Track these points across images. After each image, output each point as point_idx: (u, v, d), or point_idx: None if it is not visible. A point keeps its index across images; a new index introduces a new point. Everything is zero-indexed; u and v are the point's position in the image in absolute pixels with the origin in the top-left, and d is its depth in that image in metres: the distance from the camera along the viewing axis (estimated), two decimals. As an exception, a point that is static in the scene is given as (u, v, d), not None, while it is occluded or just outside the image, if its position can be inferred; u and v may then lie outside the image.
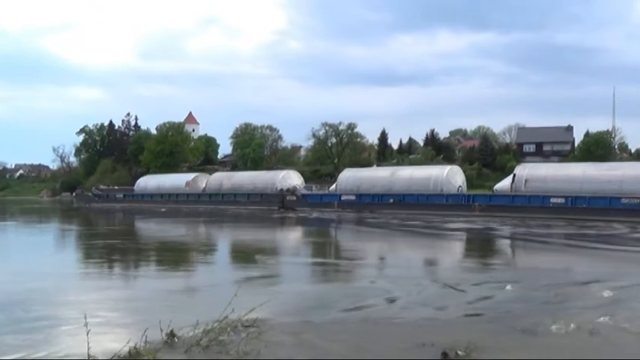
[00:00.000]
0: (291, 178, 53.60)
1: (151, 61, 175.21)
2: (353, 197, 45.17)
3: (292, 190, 50.05)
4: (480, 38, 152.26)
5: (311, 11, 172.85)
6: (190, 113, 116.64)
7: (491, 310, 9.11)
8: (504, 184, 41.33)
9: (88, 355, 5.51)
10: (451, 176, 43.64)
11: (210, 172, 71.09)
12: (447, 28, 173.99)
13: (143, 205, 58.13)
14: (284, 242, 24.67)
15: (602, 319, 8.18)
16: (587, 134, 78.38)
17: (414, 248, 21.32)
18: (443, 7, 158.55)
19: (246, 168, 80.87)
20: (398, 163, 74.88)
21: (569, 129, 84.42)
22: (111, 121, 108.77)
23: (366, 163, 69.63)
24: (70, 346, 6.55)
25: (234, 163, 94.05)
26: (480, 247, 22.73)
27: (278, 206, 47.40)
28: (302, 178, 55.51)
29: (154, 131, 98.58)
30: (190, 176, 61.88)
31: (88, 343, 5.52)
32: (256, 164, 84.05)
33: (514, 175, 40.09)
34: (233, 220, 37.47)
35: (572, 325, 7.71)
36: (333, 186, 50.11)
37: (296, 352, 6.46)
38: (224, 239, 26.29)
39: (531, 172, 39.64)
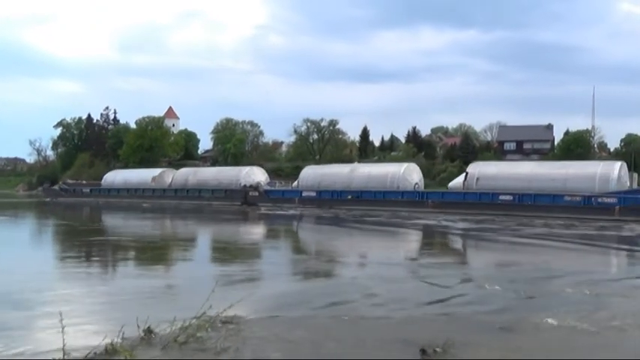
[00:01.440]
0: (255, 175, 54.35)
1: (131, 55, 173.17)
2: (313, 194, 46.35)
3: (255, 186, 50.91)
4: (463, 36, 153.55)
5: (293, 6, 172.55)
6: (170, 108, 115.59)
7: (459, 306, 9.22)
8: (458, 182, 42.78)
9: (64, 352, 5.42)
10: (408, 174, 45.05)
11: (191, 167, 70.84)
12: (430, 25, 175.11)
13: (110, 199, 59.02)
14: (238, 238, 24.64)
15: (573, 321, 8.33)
16: (567, 133, 79.44)
17: (371, 243, 22.30)
18: (426, 4, 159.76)
19: (226, 163, 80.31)
20: (379, 160, 75.26)
21: (550, 127, 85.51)
22: (89, 115, 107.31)
23: (347, 160, 69.78)
24: (45, 343, 6.44)
25: (214, 159, 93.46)
26: (434, 242, 23.87)
27: (240, 202, 48.25)
28: (266, 175, 56.35)
29: (133, 125, 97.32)
30: (157, 171, 62.43)
31: (64, 340, 5.44)
32: (237, 160, 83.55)
33: (466, 173, 41.61)
34: (193, 216, 38.21)
35: (549, 321, 7.84)
36: (296, 182, 51.06)
37: (275, 349, 6.41)
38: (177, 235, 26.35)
39: (483, 171, 41.27)
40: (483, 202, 37.92)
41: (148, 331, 6.34)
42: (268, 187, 52.33)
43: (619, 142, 79.76)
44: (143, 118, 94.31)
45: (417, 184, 44.94)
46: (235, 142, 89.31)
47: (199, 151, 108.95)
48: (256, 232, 28.75)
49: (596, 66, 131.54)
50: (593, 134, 74.91)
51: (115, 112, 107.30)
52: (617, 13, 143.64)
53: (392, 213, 36.68)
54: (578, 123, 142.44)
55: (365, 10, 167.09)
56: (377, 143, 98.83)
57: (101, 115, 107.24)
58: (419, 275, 12.76)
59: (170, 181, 58.67)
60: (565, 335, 7.39)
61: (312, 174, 49.85)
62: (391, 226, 29.10)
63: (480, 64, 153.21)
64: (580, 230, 26.28)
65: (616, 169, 37.33)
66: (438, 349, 6.19)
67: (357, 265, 15.36)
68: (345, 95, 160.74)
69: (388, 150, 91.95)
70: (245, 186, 51.24)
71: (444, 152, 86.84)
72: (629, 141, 76.28)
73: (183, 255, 18.23)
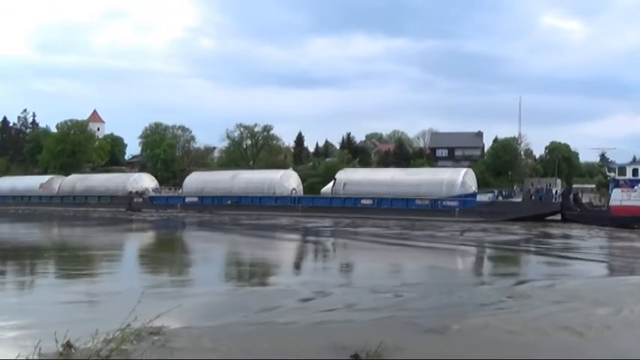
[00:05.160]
0: (144, 181, 55.62)
1: (51, 55, 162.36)
2: (196, 199, 48.80)
3: (140, 193, 52.24)
4: (395, 44, 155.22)
5: (225, 9, 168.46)
6: (95, 111, 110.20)
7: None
8: (328, 188, 46.01)
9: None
10: (285, 179, 48.38)
11: (117, 173, 67.83)
12: (363, 32, 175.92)
13: None
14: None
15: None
16: (495, 140, 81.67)
17: (239, 246, 24.17)
18: (359, 11, 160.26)
19: (156, 169, 77.42)
20: (314, 166, 74.73)
21: (479, 135, 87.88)
22: (5, 118, 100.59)
23: (282, 166, 68.88)
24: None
25: (143, 164, 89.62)
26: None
27: (125, 208, 49.38)
28: (155, 181, 57.49)
29: (54, 129, 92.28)
30: (45, 178, 61.74)
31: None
32: (167, 165, 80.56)
33: (335, 180, 45.22)
34: (66, 224, 37.92)
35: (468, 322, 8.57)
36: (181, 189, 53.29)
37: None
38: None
39: (349, 177, 45.37)
40: (347, 206, 41.84)
41: (68, 345, 6.01)
42: (153, 194, 53.57)
43: (544, 149, 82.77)
44: (65, 122, 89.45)
45: (294, 189, 47.95)
46: (165, 148, 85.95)
47: (126, 157, 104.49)
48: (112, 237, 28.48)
49: (523, 76, 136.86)
50: (519, 141, 77.48)
51: (33, 115, 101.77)
52: (541, 27, 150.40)
53: (265, 216, 39.71)
54: (506, 130, 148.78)
55: (298, 16, 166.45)
56: (312, 149, 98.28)
57: (18, 118, 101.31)
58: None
59: (58, 187, 58.43)
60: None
61: (196, 180, 52.11)
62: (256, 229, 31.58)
63: (412, 72, 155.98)
64: (391, 230, 30.14)
65: (461, 175, 42.03)
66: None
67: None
68: (279, 101, 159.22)
69: (323, 156, 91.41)
70: (130, 192, 52.20)
71: (378, 158, 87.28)
72: (553, 148, 79.47)
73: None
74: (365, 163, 79.85)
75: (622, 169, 34.06)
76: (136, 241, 27.69)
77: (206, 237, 28.56)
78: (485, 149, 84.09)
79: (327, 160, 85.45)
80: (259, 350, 6.96)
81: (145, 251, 22.62)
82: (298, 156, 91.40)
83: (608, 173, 36.73)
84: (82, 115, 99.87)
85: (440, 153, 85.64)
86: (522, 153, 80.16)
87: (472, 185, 42.25)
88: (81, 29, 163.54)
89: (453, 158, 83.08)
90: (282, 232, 31.05)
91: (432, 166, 66.72)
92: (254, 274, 15.76)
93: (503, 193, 42.49)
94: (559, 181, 60.41)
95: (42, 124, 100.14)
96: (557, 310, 9.65)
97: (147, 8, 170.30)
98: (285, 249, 24.33)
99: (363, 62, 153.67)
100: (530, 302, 10.52)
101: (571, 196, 37.84)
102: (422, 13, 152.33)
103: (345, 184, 43.55)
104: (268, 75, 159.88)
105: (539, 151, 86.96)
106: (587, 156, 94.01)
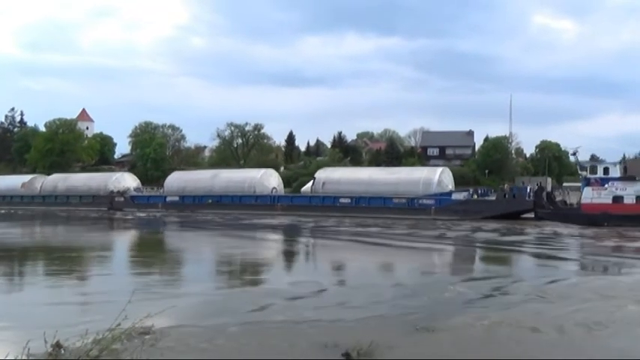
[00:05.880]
0: (126, 180, 55.59)
1: (39, 53, 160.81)
2: (177, 198, 48.77)
3: (122, 192, 52.21)
4: (388, 42, 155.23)
5: (215, 7, 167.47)
6: (84, 110, 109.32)
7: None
8: (308, 186, 46.17)
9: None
10: (265, 178, 48.32)
11: (107, 172, 67.44)
12: (354, 31, 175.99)
13: None
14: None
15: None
16: (486, 139, 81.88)
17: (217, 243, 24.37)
18: (350, 9, 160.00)
19: (146, 168, 76.99)
20: (305, 165, 74.54)
21: (471, 134, 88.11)
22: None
23: (273, 165, 68.67)
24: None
25: (133, 164, 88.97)
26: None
27: (107, 207, 49.52)
28: (138, 180, 57.45)
29: (42, 128, 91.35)
30: (27, 177, 61.32)
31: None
32: (157, 165, 79.93)
33: (314, 179, 45.58)
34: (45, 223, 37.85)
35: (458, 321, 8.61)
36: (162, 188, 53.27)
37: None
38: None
39: (328, 176, 45.59)
40: (326, 204, 41.99)
41: (57, 345, 5.91)
42: (135, 193, 53.56)
43: (534, 148, 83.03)
44: (53, 121, 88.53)
45: (274, 188, 48.01)
46: (155, 147, 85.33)
47: (116, 156, 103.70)
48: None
49: (514, 75, 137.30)
50: (510, 140, 77.71)
51: (21, 114, 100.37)
52: (533, 26, 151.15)
53: (246, 215, 39.77)
54: (497, 129, 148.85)
55: (289, 14, 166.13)
56: (303, 148, 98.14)
57: (6, 117, 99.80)
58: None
59: (40, 187, 58.07)
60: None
61: (178, 179, 52.16)
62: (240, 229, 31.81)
63: (404, 71, 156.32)
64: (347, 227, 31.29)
65: (437, 174, 42.41)
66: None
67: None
68: (270, 100, 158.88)
69: (314, 155, 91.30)
70: (112, 192, 52.17)
71: (369, 157, 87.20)
72: (544, 147, 79.69)
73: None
74: (356, 162, 79.81)
75: (593, 168, 35.14)
76: (118, 241, 27.58)
77: (185, 237, 28.67)
78: (477, 148, 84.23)
79: (319, 159, 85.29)
80: (249, 349, 6.92)
81: (125, 251, 22.57)
82: (289, 155, 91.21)
83: (580, 172, 37.50)
84: (71, 114, 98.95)
85: (431, 152, 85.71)
86: (513, 152, 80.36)
87: (448, 184, 42.65)
88: (69, 27, 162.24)
89: (444, 157, 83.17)
90: (262, 231, 31.16)
91: (423, 164, 66.69)
92: (235, 273, 15.74)
93: (479, 191, 42.76)
94: (549, 179, 60.57)
95: (30, 123, 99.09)
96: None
97: (136, 6, 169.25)
98: (266, 248, 24.27)
99: (355, 61, 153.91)
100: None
101: (544, 194, 38.52)
102: (414, 12, 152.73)
103: (324, 183, 43.82)
104: (260, 74, 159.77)
105: (530, 150, 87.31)
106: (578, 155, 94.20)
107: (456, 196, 40.15)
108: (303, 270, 17.20)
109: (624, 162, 40.36)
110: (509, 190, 40.89)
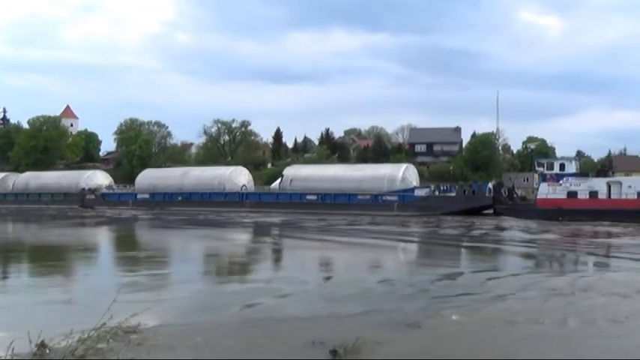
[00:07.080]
0: (98, 178, 56.29)
1: (22, 49, 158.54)
2: (147, 196, 49.40)
3: (93, 190, 52.75)
4: (375, 39, 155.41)
5: (201, 3, 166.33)
6: (68, 107, 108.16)
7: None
8: (276, 184, 46.78)
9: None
10: (234, 176, 49.01)
11: (91, 169, 66.61)
12: (341, 27, 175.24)
13: None
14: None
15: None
16: (474, 135, 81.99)
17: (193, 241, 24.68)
18: (337, 5, 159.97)
19: (132, 166, 76.04)
20: (293, 162, 74.30)
21: (458, 130, 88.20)
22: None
23: (260, 162, 68.46)
24: None
25: (118, 161, 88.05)
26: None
27: (78, 205, 49.86)
28: (110, 178, 58.10)
29: (25, 125, 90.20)
30: None
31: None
32: (143, 162, 79.01)
33: (282, 176, 46.22)
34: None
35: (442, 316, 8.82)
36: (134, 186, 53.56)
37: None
38: None
39: (296, 173, 46.36)
40: (293, 201, 42.57)
41: (42, 345, 5.92)
42: (106, 191, 53.97)
43: (521, 144, 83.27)
44: (37, 118, 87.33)
45: (244, 185, 48.71)
46: (141, 144, 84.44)
47: (101, 153, 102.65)
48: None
49: (501, 72, 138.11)
50: (497, 136, 77.91)
51: (4, 111, 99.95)
52: (518, 22, 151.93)
53: (214, 213, 40.26)
54: (484, 126, 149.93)
55: (276, 10, 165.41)
56: (290, 145, 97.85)
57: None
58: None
59: (12, 185, 58.50)
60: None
61: (148, 177, 52.67)
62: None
63: (391, 68, 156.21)
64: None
65: (401, 170, 43.16)
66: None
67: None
68: (257, 96, 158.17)
69: (302, 152, 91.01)
70: (83, 189, 52.61)
71: (357, 154, 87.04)
72: (529, 142, 79.61)
73: None
74: (344, 158, 79.74)
75: (550, 165, 36.06)
76: (86, 238, 27.38)
77: (154, 233, 28.95)
78: (464, 144, 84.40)
79: (306, 155, 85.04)
80: (236, 347, 6.86)
81: (94, 249, 22.28)
82: (277, 152, 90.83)
83: (537, 168, 38.19)
84: (55, 110, 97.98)
85: (419, 148, 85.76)
86: (500, 148, 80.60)
87: (413, 180, 43.15)
88: (53, 23, 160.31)
89: (431, 153, 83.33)
90: (230, 228, 31.48)
91: (410, 161, 66.70)
92: (216, 272, 15.69)
93: (441, 187, 43.40)
94: (536, 175, 60.76)
95: (13, 120, 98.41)
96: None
97: (121, 2, 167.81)
98: (236, 245, 24.14)
99: (343, 57, 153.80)
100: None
101: (504, 190, 39.27)
102: (401, 8, 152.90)
103: (291, 180, 44.44)
104: (246, 70, 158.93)
105: (516, 146, 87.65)
106: (564, 151, 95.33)
107: (418, 193, 40.81)
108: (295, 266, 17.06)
109: (610, 157, 40.85)
110: (468, 187, 41.75)
